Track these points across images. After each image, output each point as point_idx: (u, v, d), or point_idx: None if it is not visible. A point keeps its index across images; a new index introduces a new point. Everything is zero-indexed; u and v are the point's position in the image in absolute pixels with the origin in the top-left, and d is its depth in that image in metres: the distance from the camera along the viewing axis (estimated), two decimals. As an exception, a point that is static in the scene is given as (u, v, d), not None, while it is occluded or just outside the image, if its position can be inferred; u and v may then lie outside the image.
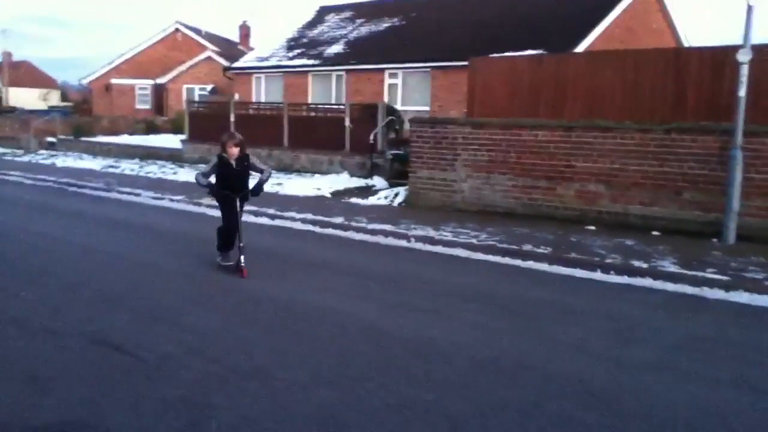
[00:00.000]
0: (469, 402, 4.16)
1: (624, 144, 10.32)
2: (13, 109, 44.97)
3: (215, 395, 4.20)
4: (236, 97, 24.25)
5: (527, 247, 8.85)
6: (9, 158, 23.16)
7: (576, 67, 12.66)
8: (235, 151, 7.37)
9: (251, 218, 11.37)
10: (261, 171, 7.65)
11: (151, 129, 30.63)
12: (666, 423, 3.93)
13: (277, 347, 5.11)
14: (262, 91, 24.73)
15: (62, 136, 27.54)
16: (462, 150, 12.02)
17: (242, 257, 7.26)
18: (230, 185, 7.52)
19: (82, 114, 36.53)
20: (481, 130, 11.84)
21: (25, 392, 4.21)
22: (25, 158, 23.10)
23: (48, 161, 21.75)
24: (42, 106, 52.66)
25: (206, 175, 7.42)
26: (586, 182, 10.69)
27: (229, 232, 7.60)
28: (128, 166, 19.56)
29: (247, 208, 11.90)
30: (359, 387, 4.35)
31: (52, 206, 12.49)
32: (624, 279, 7.54)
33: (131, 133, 29.39)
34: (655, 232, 9.76)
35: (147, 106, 37.31)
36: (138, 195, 13.89)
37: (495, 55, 15.14)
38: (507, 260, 8.49)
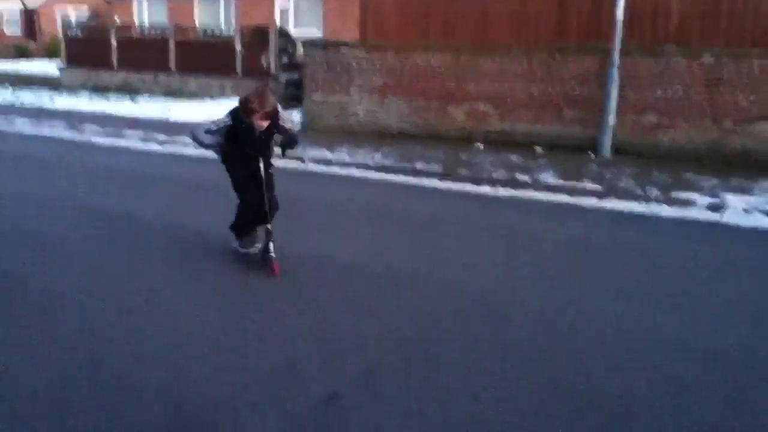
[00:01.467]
0: (370, 310, 4.39)
1: (510, 66, 10.66)
2: None
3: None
4: (117, 21, 22.81)
5: (420, 165, 9.12)
6: None
7: (466, -10, 12.80)
8: (264, 124, 5.08)
9: (139, 144, 11.01)
10: (287, 131, 5.30)
11: (22, 54, 28.44)
12: (538, 312, 4.33)
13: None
14: (145, 15, 23.39)
15: None
16: (356, 73, 12.01)
17: (271, 245, 5.14)
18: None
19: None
20: (374, 54, 11.85)
21: None
22: None
23: None
24: None
25: (212, 133, 5.17)
26: (476, 103, 11.03)
27: (253, 209, 5.30)
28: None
29: (134, 134, 11.56)
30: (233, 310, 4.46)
31: None
32: (509, 192, 7.96)
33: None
34: (538, 149, 10.28)
35: (17, 32, 34.38)
36: (12, 123, 13.03)
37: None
38: (401, 178, 8.72)
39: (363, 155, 9.78)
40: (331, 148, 10.28)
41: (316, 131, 12.14)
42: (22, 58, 27.69)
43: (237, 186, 5.33)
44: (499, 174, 8.56)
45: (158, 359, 3.59)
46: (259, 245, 5.37)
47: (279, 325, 4.06)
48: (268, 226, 5.12)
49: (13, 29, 34.44)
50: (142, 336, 3.86)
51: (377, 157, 9.66)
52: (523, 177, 8.38)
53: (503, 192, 7.98)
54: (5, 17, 34.63)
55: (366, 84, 11.94)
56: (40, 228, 6.11)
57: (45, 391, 3.27)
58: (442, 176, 8.55)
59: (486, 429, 3.01)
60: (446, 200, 7.60)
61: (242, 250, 5.46)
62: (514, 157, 9.62)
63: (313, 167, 9.35)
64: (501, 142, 10.71)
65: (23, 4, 34.05)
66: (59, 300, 4.41)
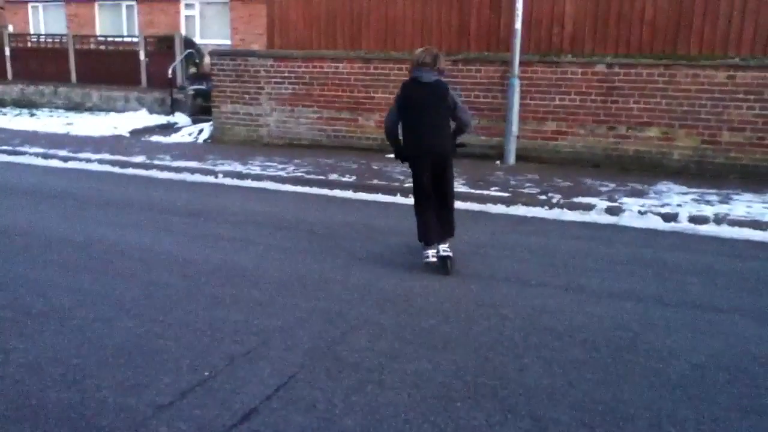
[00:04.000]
0: (275, 317, 4.44)
1: (418, 75, 10.94)
2: None
3: (9, 339, 4.08)
4: (10, 28, 21.75)
5: (333, 176, 9.22)
6: None
7: None
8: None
9: (39, 161, 10.60)
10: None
11: None
12: (448, 313, 4.52)
13: (74, 287, 5.00)
14: (41, 23, 22.43)
15: None
16: (265, 83, 12.00)
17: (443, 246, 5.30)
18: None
19: None
20: (282, 62, 11.88)
21: None
22: None
23: None
24: None
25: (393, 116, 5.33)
26: (385, 112, 11.22)
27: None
28: None
29: (33, 149, 11.10)
30: (166, 315, 4.46)
31: None
32: (420, 200, 8.18)
33: None
34: (448, 157, 10.58)
35: None
36: None
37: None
38: (314, 190, 8.80)
39: (276, 168, 9.79)
40: (243, 161, 10.23)
41: (226, 143, 12.03)
42: None
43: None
44: (409, 183, 8.76)
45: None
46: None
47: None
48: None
49: None
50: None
51: (290, 169, 9.69)
52: (433, 185, 8.62)
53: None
54: None
55: (275, 94, 11.94)
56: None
57: None
58: (356, 187, 8.69)
59: None
60: (360, 210, 7.74)
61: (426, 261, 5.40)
62: (425, 166, 9.87)
63: (225, 181, 9.29)
64: (411, 151, 10.94)
65: None
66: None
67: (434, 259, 5.38)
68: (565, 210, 7.62)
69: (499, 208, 7.82)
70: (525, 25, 10.17)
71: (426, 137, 5.27)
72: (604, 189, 8.41)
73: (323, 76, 11.57)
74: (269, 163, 10.11)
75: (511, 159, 10.14)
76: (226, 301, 4.73)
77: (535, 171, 9.56)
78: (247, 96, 12.18)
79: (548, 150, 10.28)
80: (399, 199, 8.30)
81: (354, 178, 9.12)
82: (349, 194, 8.57)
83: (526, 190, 8.36)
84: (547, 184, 8.66)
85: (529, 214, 7.59)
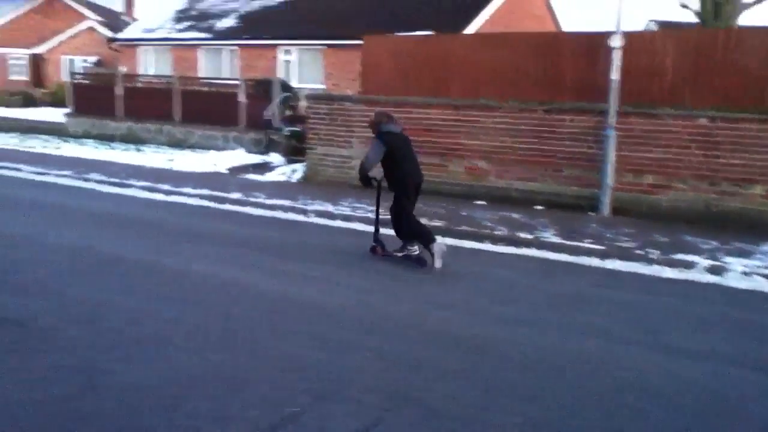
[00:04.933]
0: (359, 358, 4.45)
1: (507, 122, 10.92)
2: None
3: (108, 362, 4.26)
4: (123, 69, 23.26)
5: (421, 220, 9.22)
6: None
7: (462, 48, 13.12)
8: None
9: (144, 194, 11.15)
10: None
11: (28, 102, 28.81)
12: (532, 366, 4.39)
13: (166, 316, 5.20)
14: (150, 64, 23.88)
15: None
16: (357, 127, 12.25)
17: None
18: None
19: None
20: (374, 108, 12.09)
21: None
22: None
23: None
24: None
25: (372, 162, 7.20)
26: (474, 159, 11.24)
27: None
28: (6, 141, 18.40)
29: (139, 183, 11.70)
30: (253, 349, 4.57)
31: None
32: (511, 249, 8.08)
33: (7, 106, 27.54)
34: (537, 206, 10.42)
35: (23, 77, 34.94)
36: (19, 170, 13.19)
37: (387, 34, 15.41)
38: (402, 233, 8.83)
39: (365, 209, 9.91)
40: (333, 201, 10.42)
41: (318, 184, 12.30)
42: (29, 106, 28.02)
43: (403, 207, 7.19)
44: (501, 231, 8.67)
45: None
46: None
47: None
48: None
49: (20, 75, 35.01)
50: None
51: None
52: (524, 234, 8.49)
53: (504, 249, 8.09)
54: (11, 62, 35.21)
55: (367, 138, 12.13)
56: (41, 271, 6.17)
57: None
58: (444, 232, 8.66)
59: None
60: (447, 256, 7.69)
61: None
62: (515, 215, 9.76)
63: (316, 220, 9.47)
64: (500, 199, 10.86)
65: (29, 50, 34.67)
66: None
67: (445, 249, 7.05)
68: (664, 267, 7.31)
69: (593, 261, 7.60)
70: (622, 75, 9.98)
71: (415, 170, 7.32)
72: (705, 247, 8.03)
73: (413, 121, 11.70)
74: (358, 205, 10.25)
75: (606, 211, 9.87)
76: (311, 339, 4.78)
77: (632, 225, 9.25)
78: (339, 139, 12.46)
79: (645, 203, 9.95)
80: (487, 246, 8.22)
81: (442, 222, 9.10)
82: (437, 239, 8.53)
83: (622, 244, 8.09)
84: (644, 239, 8.35)
85: (625, 269, 7.33)
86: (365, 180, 7.23)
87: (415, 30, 16.26)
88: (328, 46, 20.04)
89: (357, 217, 9.44)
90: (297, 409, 3.69)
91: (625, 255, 7.65)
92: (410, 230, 7.23)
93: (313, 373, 4.19)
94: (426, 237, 7.06)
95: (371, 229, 8.94)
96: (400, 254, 7.38)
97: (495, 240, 8.35)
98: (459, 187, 11.38)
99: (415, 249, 7.34)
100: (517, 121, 10.85)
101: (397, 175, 7.17)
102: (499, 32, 16.09)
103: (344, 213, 9.65)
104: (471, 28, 18.06)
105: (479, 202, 10.78)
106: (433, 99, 11.94)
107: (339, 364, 4.35)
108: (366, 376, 4.18)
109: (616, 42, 9.82)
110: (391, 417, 3.65)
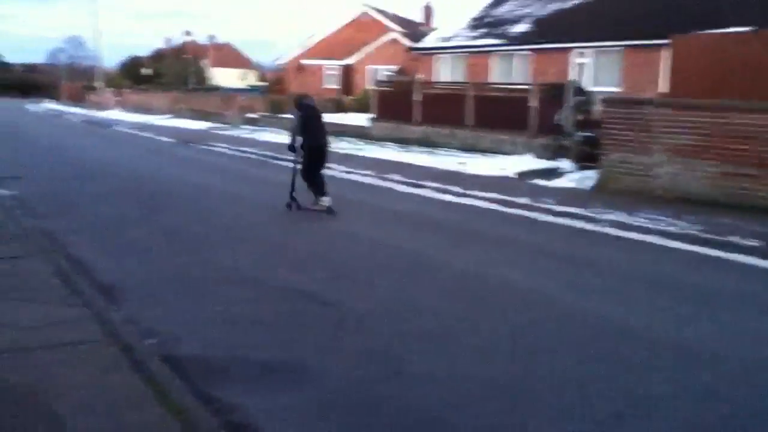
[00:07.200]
0: (651, 384, 4.07)
1: None
2: (217, 88, 49.31)
3: (408, 351, 4.50)
4: (419, 77, 24.70)
5: (733, 238, 8.23)
6: (215, 132, 25.52)
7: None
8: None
9: (436, 195, 11.65)
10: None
11: (338, 107, 32.05)
12: None
13: (452, 312, 5.34)
14: (445, 72, 24.97)
15: (261, 113, 29.75)
16: (660, 133, 11.36)
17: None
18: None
19: (276, 92, 39.09)
20: (681, 112, 11.12)
21: (238, 333, 4.85)
22: (230, 132, 25.32)
23: (249, 135, 23.70)
24: (241, 84, 57.22)
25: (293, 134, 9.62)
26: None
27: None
28: (319, 142, 20.71)
29: (432, 184, 12.28)
30: (532, 359, 4.48)
31: (253, 175, 13.71)
32: None
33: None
34: None
35: (334, 86, 39.07)
36: (330, 168, 14.68)
37: (696, 32, 14.06)
38: (707, 251, 7.95)
39: (665, 222, 9.15)
40: (629, 212, 9.80)
41: (610, 192, 11.69)
42: (338, 112, 31.22)
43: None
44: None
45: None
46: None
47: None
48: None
49: (332, 84, 39.23)
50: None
51: (681, 225, 8.95)
52: None
53: (842, 278, 6.85)
54: (325, 73, 39.62)
55: (671, 144, 11.21)
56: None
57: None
58: (765, 254, 7.61)
59: None
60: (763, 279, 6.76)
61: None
62: None
63: (608, 230, 9.00)
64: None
65: (340, 61, 38.63)
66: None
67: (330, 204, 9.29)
68: None
69: None
70: None
71: (323, 136, 9.75)
72: None
73: (729, 127, 10.49)
74: (658, 217, 9.49)
75: None
76: (602, 357, 4.52)
77: None
78: (637, 145, 11.68)
79: None
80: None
81: (760, 242, 8.01)
82: (752, 260, 7.53)
83: None
84: None
85: None
86: (293, 147, 9.48)
87: (727, 27, 14.60)
88: (626, 47, 19.00)
89: (657, 230, 8.74)
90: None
91: None
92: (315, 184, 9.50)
93: (612, 394, 3.94)
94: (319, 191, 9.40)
95: (672, 244, 8.27)
96: (313, 208, 9.37)
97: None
98: (780, 203, 9.92)
99: (323, 203, 9.34)
100: None
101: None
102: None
103: (641, 225, 9.00)
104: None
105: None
106: (757, 104, 10.54)
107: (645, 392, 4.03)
108: (659, 404, 3.80)
109: None
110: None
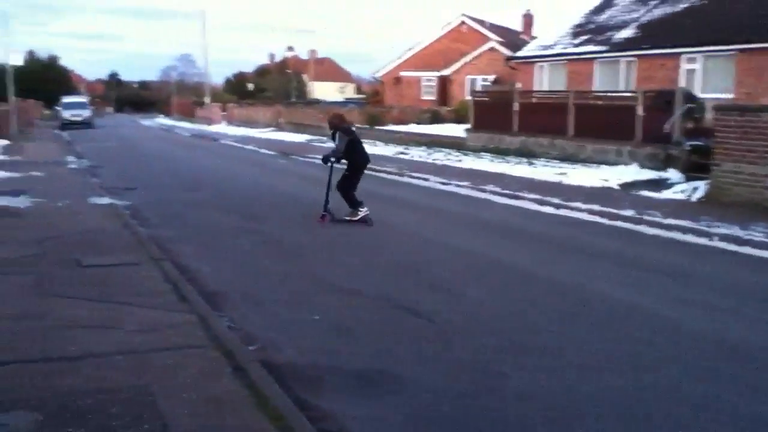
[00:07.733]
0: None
1: None
2: (317, 101, 50.65)
3: (505, 365, 4.41)
4: (518, 86, 24.34)
5: None
6: (314, 144, 26.16)
7: None
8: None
9: (534, 206, 11.40)
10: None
11: (435, 118, 32.12)
12: None
13: (564, 331, 5.17)
14: (545, 80, 24.46)
15: (359, 125, 30.23)
16: (778, 141, 10.64)
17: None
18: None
19: (374, 105, 39.66)
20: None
21: (334, 341, 4.94)
22: (328, 144, 25.70)
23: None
24: (339, 97, 58.46)
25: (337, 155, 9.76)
26: None
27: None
28: (416, 153, 20.80)
29: (530, 195, 12.03)
30: (644, 377, 4.29)
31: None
32: None
33: (418, 122, 31.13)
34: None
35: (431, 97, 39.20)
36: (426, 180, 14.73)
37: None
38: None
39: (784, 236, 8.55)
40: (743, 225, 9.21)
41: (723, 204, 11.04)
42: (435, 122, 31.25)
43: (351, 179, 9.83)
44: None
45: None
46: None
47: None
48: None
49: (429, 95, 39.38)
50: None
51: (803, 240, 8.33)
52: None
53: None
54: (423, 84, 39.81)
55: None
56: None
57: None
58: None
59: None
60: None
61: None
62: None
63: (720, 245, 8.49)
64: None
65: (438, 72, 38.67)
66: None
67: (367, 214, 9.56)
68: None
69: None
70: None
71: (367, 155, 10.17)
72: None
73: None
74: (775, 231, 8.87)
75: None
76: (720, 377, 4.26)
77: None
78: (753, 154, 10.98)
79: None
80: None
81: None
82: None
83: None
84: None
85: None
86: (325, 160, 9.91)
87: None
88: (741, 51, 17.94)
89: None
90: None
91: None
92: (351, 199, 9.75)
93: (722, 415, 3.70)
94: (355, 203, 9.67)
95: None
96: (350, 219, 9.61)
97: None
98: None
99: (360, 213, 9.59)
100: None
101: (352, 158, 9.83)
102: None
103: (756, 239, 8.44)
104: None
105: None
106: None
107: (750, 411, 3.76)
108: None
109: None
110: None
